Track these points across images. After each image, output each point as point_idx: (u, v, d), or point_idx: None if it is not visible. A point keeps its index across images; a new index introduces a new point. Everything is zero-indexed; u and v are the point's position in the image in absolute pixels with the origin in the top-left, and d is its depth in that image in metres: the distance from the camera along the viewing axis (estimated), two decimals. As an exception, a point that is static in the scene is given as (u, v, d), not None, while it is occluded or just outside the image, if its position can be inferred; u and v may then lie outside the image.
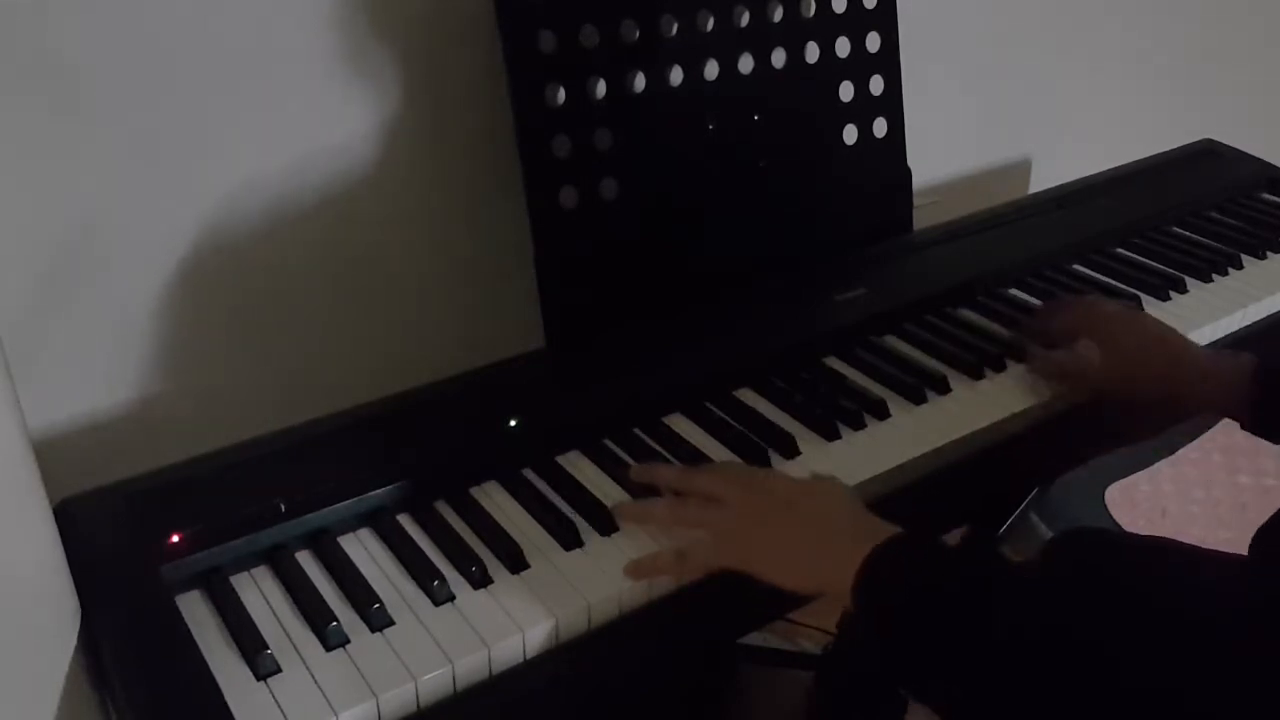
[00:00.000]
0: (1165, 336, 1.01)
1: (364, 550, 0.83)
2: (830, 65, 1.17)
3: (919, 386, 1.01)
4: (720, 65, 1.10)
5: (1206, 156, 1.50)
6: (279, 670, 0.73)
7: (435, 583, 0.78)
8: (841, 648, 1.31)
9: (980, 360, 1.04)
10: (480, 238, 1.11)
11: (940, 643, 0.70)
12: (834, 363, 1.05)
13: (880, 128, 1.21)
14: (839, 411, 0.97)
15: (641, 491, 0.87)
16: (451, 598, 0.78)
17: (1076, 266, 1.24)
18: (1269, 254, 1.28)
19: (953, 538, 1.11)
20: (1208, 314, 1.15)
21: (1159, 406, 0.99)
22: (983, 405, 1.00)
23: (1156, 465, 1.76)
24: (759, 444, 0.93)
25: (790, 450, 0.93)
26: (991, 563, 0.75)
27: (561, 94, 1.01)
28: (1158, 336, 1.01)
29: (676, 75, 1.08)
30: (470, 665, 0.74)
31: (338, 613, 0.76)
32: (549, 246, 1.02)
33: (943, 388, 1.01)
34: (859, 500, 0.82)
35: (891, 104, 1.22)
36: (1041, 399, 1.00)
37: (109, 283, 0.95)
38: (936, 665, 0.71)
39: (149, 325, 0.98)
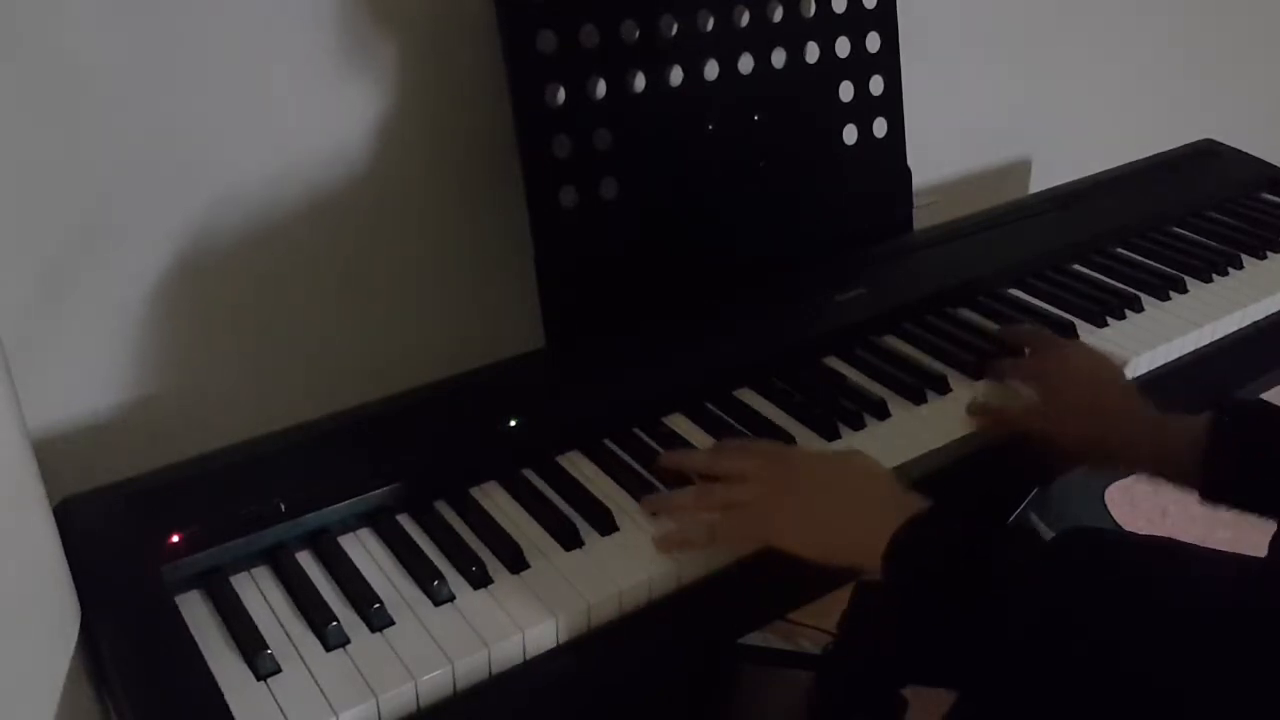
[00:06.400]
0: (1103, 379, 0.97)
1: (364, 550, 0.83)
2: (830, 65, 1.17)
3: (919, 386, 1.01)
4: (720, 65, 1.09)
5: (1206, 156, 1.50)
6: (279, 670, 0.73)
7: (435, 583, 0.78)
8: (841, 648, 1.31)
9: (980, 360, 1.04)
10: (480, 238, 1.11)
11: (958, 618, 0.69)
12: (834, 363, 1.05)
13: (880, 128, 1.21)
14: (839, 411, 0.97)
15: (672, 479, 0.87)
16: (451, 598, 0.78)
17: (1076, 266, 1.24)
18: (1269, 254, 1.28)
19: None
20: (1208, 314, 1.15)
21: (1086, 453, 0.94)
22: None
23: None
24: (759, 444, 0.93)
25: (790, 450, 0.93)
26: (1024, 541, 0.74)
27: (561, 94, 1.01)
28: (1098, 380, 0.97)
29: (676, 75, 1.08)
30: (470, 665, 0.74)
31: (338, 613, 0.76)
32: (549, 246, 1.02)
33: (943, 388, 1.01)
34: (889, 472, 0.81)
35: (891, 104, 1.22)
36: (966, 430, 0.97)
37: (109, 283, 0.95)
38: (951, 639, 0.70)
39: (149, 325, 0.98)
